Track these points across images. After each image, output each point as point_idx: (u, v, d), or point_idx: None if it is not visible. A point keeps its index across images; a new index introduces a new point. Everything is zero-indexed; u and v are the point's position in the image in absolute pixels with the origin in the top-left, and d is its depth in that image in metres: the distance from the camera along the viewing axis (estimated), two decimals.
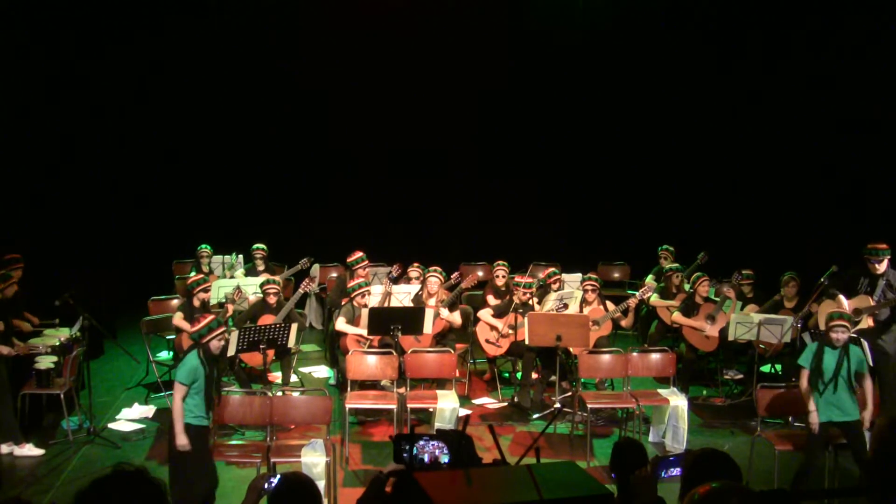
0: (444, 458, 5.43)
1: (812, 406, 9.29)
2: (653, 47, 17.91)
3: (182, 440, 8.47)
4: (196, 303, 11.94)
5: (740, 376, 13.37)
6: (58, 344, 11.64)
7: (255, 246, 14.76)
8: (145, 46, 17.06)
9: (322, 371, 14.02)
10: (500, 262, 13.71)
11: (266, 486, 5.13)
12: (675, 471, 5.34)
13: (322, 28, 17.90)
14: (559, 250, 16.11)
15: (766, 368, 13.09)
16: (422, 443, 5.46)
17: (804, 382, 9.40)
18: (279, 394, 10.21)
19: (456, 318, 12.77)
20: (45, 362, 11.17)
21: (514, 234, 17.21)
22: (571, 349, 11.97)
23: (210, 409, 8.75)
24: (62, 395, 11.02)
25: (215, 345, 8.69)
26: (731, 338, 12.19)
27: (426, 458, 5.42)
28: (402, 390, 11.25)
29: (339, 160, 18.34)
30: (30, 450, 10.65)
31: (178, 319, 11.89)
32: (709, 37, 17.48)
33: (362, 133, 18.28)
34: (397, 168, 18.37)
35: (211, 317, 8.94)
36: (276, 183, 18.25)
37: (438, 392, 11.29)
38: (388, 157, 18.44)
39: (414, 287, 13.16)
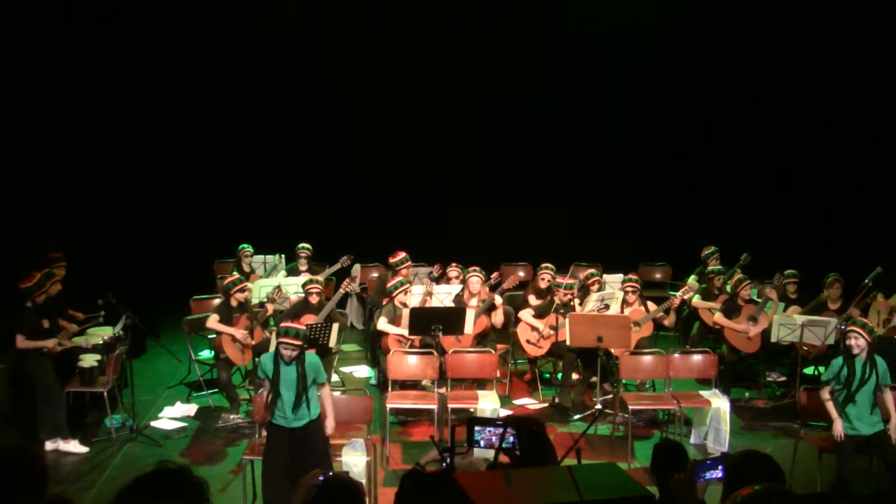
0: (505, 444, 5.48)
1: (835, 414, 9.29)
2: (694, 44, 17.82)
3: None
4: (233, 303, 11.98)
5: (783, 378, 13.27)
6: (101, 342, 11.72)
7: (300, 245, 14.76)
8: (189, 46, 17.16)
9: (363, 371, 14.04)
10: (546, 265, 13.64)
11: (317, 483, 5.15)
12: (714, 474, 5.29)
13: (354, 29, 17.92)
14: (600, 251, 16.04)
15: (809, 370, 12.98)
16: (492, 429, 5.50)
17: (825, 394, 9.40)
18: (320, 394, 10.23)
19: (500, 314, 12.75)
20: (89, 360, 11.26)
21: (554, 234, 17.17)
22: (612, 350, 11.93)
23: (281, 412, 8.79)
24: (105, 394, 11.10)
25: (286, 354, 8.70)
26: (773, 339, 12.09)
27: (493, 440, 5.46)
28: (442, 390, 11.24)
29: (375, 160, 18.36)
30: (75, 446, 10.75)
31: (213, 322, 11.90)
32: (754, 34, 17.36)
33: (401, 133, 18.31)
34: (436, 168, 18.37)
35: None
36: (316, 182, 18.29)
37: (479, 392, 11.30)
38: (427, 157, 18.44)
39: (455, 287, 13.15)
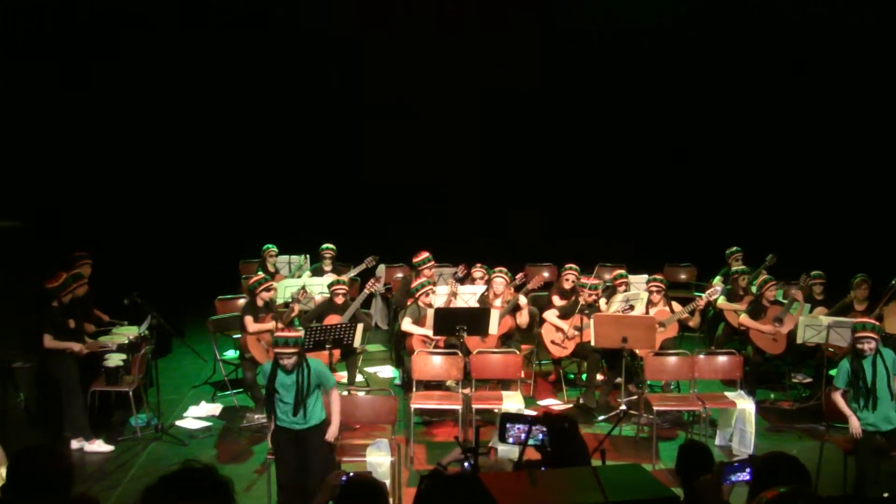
0: (532, 441, 5.48)
1: (848, 411, 9.37)
2: (721, 44, 17.77)
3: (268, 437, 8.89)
4: (259, 302, 12.01)
5: (809, 380, 13.22)
6: (126, 342, 11.77)
7: (325, 246, 14.78)
8: (209, 48, 17.24)
9: (387, 371, 14.05)
10: (571, 266, 13.62)
11: (340, 483, 5.15)
12: (741, 476, 5.28)
13: (385, 28, 17.95)
14: (625, 251, 16.01)
15: (834, 372, 12.90)
16: (521, 425, 5.50)
17: (837, 397, 9.41)
18: (344, 393, 10.25)
19: (525, 314, 12.73)
20: (115, 360, 11.32)
21: (579, 234, 17.15)
22: (637, 351, 11.90)
23: (283, 415, 8.81)
24: (131, 393, 11.16)
25: (285, 363, 8.71)
26: (799, 340, 12.03)
27: (522, 437, 5.47)
28: (467, 391, 11.24)
29: (399, 160, 18.38)
30: (99, 446, 10.82)
31: (250, 324, 11.91)
32: (779, 33, 17.31)
33: (425, 133, 18.34)
34: (460, 168, 18.39)
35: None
36: (340, 183, 18.33)
37: (503, 393, 11.29)
38: (450, 158, 18.46)
39: (480, 288, 13.14)
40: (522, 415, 5.64)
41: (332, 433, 8.95)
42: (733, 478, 5.36)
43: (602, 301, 12.82)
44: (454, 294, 12.78)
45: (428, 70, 18.15)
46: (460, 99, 18.27)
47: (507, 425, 5.57)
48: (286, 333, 8.81)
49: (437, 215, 18.14)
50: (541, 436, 5.50)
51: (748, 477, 5.23)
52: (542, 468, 5.47)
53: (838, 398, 9.49)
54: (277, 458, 8.83)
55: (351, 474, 5.11)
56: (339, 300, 12.31)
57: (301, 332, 9.25)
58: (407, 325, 12.31)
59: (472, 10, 18.04)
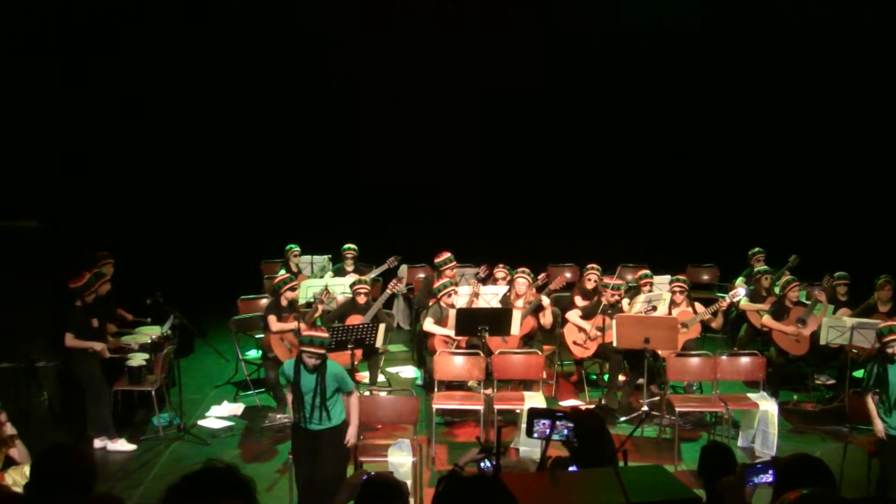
0: (558, 436, 5.49)
1: (874, 413, 9.32)
2: (743, 44, 17.73)
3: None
4: (283, 302, 12.04)
5: (832, 381, 13.15)
6: (149, 342, 11.82)
7: (346, 246, 14.79)
8: (229, 50, 17.29)
9: (409, 371, 14.06)
10: (592, 266, 13.60)
11: (361, 482, 5.15)
12: (764, 478, 5.26)
13: (409, 34, 17.96)
14: (647, 252, 15.97)
15: (858, 374, 12.82)
16: (546, 420, 5.50)
17: (869, 399, 9.40)
18: (366, 393, 10.27)
19: (548, 315, 12.72)
20: (137, 360, 11.37)
21: (601, 235, 17.13)
22: (659, 352, 11.87)
23: (301, 415, 8.82)
24: (153, 392, 11.21)
25: (309, 362, 8.72)
26: (822, 342, 11.99)
27: (547, 432, 5.47)
28: (488, 391, 11.24)
29: (423, 161, 18.39)
30: (122, 444, 10.87)
31: (274, 324, 11.94)
32: (798, 34, 17.24)
33: (446, 135, 18.36)
34: (482, 168, 18.39)
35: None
36: (363, 183, 18.35)
37: (525, 393, 11.27)
38: (473, 158, 18.47)
39: (502, 288, 13.13)
40: (550, 410, 5.62)
41: (351, 435, 8.94)
42: (756, 479, 5.34)
43: (624, 301, 12.79)
44: (476, 294, 12.77)
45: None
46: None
47: (535, 420, 5.57)
48: (313, 333, 8.81)
49: (462, 215, 18.15)
50: (566, 431, 5.49)
51: (771, 478, 5.21)
52: (570, 466, 5.47)
53: (870, 400, 9.43)
54: (295, 458, 8.86)
55: (372, 474, 5.11)
56: (362, 300, 12.32)
57: (327, 334, 9.25)
58: (429, 325, 12.31)
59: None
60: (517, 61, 18.12)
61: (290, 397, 8.96)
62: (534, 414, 5.62)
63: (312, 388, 8.66)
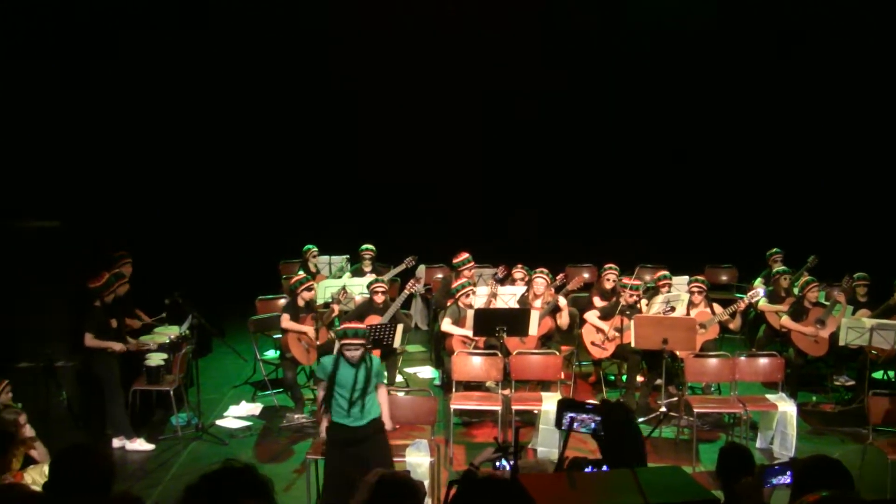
0: (585, 429, 5.47)
1: None
2: (762, 42, 17.69)
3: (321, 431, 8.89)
4: (300, 302, 12.06)
5: (851, 382, 13.11)
6: (167, 342, 11.85)
7: (364, 246, 14.81)
8: (247, 47, 17.34)
9: (427, 372, 14.07)
10: (610, 266, 13.59)
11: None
12: (782, 479, 5.25)
13: (429, 29, 17.96)
14: (665, 252, 15.94)
15: (878, 375, 12.81)
16: (572, 413, 5.49)
17: None
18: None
19: (565, 316, 12.71)
20: (156, 359, 11.39)
21: (619, 235, 17.11)
22: (678, 352, 11.85)
23: (340, 411, 8.79)
24: (171, 392, 11.24)
25: (351, 355, 8.70)
26: (841, 343, 11.94)
27: (575, 425, 5.46)
28: (506, 392, 11.24)
29: (443, 162, 18.39)
30: (140, 444, 10.90)
31: (286, 321, 11.97)
32: (822, 33, 17.20)
33: (463, 134, 18.37)
34: (501, 169, 18.39)
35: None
36: (380, 183, 18.36)
37: (543, 394, 11.24)
38: (493, 158, 18.47)
39: (520, 288, 13.11)
40: (581, 402, 5.60)
41: (387, 421, 8.96)
42: (774, 481, 5.33)
43: (643, 302, 12.77)
44: (494, 295, 12.76)
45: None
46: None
47: (563, 412, 5.56)
48: (354, 325, 8.82)
49: (479, 216, 18.15)
50: (593, 424, 5.47)
51: (789, 480, 5.20)
52: (587, 467, 5.46)
53: None
54: (329, 456, 8.77)
55: (386, 473, 5.09)
56: (379, 299, 12.33)
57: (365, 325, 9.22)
58: (447, 325, 12.31)
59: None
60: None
61: (321, 394, 8.93)
62: (564, 406, 5.61)
63: (353, 382, 8.61)
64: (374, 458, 8.54)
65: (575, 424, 5.49)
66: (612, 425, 5.50)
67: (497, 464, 5.53)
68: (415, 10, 17.78)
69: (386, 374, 9.14)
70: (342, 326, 8.90)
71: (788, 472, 5.24)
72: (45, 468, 7.89)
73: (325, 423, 8.84)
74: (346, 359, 8.57)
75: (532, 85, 18.08)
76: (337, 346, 9.42)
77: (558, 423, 5.58)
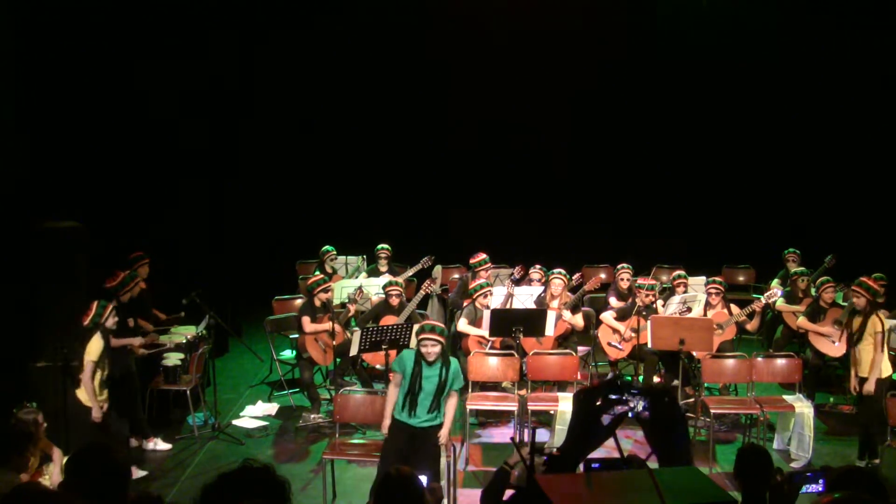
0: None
1: None
2: (775, 43, 17.64)
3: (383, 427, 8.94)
4: (317, 303, 12.07)
5: None
6: (185, 341, 11.88)
7: (380, 246, 14.78)
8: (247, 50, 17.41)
9: None
10: (624, 265, 13.57)
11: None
12: (814, 487, 5.22)
13: (450, 31, 17.94)
14: (682, 252, 15.90)
15: None
16: (614, 396, 5.43)
17: None
18: None
19: (578, 320, 12.69)
20: (173, 359, 11.45)
21: (637, 235, 17.08)
22: (695, 353, 11.82)
23: (407, 409, 8.79)
24: (188, 392, 11.30)
25: (429, 351, 8.70)
26: None
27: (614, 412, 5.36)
28: (523, 392, 11.23)
29: (461, 162, 18.39)
30: (157, 444, 10.94)
31: (308, 324, 11.97)
32: (838, 31, 17.13)
33: (483, 135, 18.36)
34: (516, 169, 18.37)
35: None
36: (399, 184, 18.36)
37: (559, 394, 11.23)
38: (509, 159, 18.46)
39: (536, 289, 13.09)
40: (627, 385, 5.48)
41: (444, 436, 8.92)
42: (806, 488, 5.30)
43: (659, 303, 12.74)
44: (511, 295, 12.74)
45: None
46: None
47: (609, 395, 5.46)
48: (433, 322, 8.89)
49: (496, 216, 18.13)
50: (643, 405, 5.38)
51: (821, 488, 5.18)
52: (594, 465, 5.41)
53: None
54: (385, 451, 8.77)
55: (391, 470, 5.08)
56: (395, 301, 12.32)
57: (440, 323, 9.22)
58: (463, 325, 12.30)
59: (525, 7, 17.94)
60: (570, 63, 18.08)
61: (393, 390, 8.92)
62: (608, 386, 5.50)
63: (430, 381, 8.67)
64: (420, 461, 8.50)
65: (617, 409, 5.34)
66: (659, 406, 5.39)
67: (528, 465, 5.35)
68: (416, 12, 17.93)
69: (462, 380, 9.04)
70: (424, 322, 8.90)
71: (821, 480, 5.22)
72: (59, 467, 7.93)
73: (387, 422, 8.85)
74: (423, 356, 8.56)
75: (553, 87, 18.08)
76: (414, 341, 9.43)
77: (593, 418, 5.44)
